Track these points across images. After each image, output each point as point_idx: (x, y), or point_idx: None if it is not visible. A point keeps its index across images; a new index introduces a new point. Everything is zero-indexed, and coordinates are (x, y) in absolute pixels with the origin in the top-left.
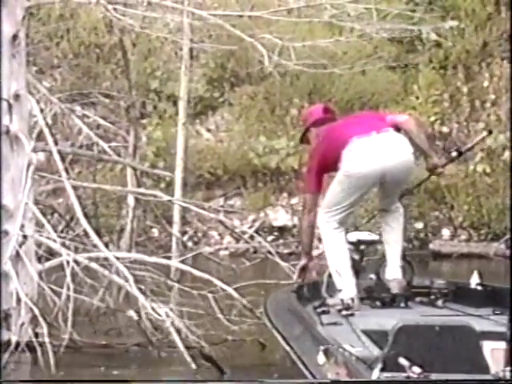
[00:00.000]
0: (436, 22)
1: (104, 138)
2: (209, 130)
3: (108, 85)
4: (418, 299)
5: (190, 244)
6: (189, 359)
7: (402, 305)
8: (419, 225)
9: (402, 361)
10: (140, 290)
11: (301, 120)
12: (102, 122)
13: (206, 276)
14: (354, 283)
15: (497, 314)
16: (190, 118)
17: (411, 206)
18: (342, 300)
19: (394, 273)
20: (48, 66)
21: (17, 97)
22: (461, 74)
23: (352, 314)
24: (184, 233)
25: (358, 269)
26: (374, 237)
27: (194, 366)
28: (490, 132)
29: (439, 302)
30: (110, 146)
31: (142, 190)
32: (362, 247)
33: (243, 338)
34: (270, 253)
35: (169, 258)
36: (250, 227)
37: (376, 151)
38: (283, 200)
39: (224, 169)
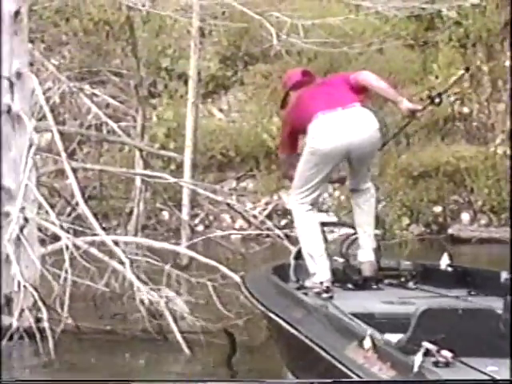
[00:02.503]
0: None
1: (113, 118)
2: (221, 110)
3: (118, 63)
4: (386, 281)
5: (201, 227)
6: (183, 344)
7: (374, 287)
8: (438, 209)
9: (427, 345)
10: (136, 275)
11: (281, 85)
12: (111, 101)
13: (211, 262)
14: (328, 266)
15: (472, 295)
16: (202, 98)
17: (430, 190)
18: (321, 283)
19: (366, 255)
20: (56, 43)
21: (18, 75)
22: (481, 53)
23: (332, 297)
24: (195, 216)
25: None
26: (333, 218)
27: (187, 351)
28: (468, 69)
29: (410, 284)
30: (119, 126)
31: (147, 171)
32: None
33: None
34: (279, 237)
35: (178, 241)
36: (264, 210)
37: (341, 128)
38: None
39: (236, 150)
